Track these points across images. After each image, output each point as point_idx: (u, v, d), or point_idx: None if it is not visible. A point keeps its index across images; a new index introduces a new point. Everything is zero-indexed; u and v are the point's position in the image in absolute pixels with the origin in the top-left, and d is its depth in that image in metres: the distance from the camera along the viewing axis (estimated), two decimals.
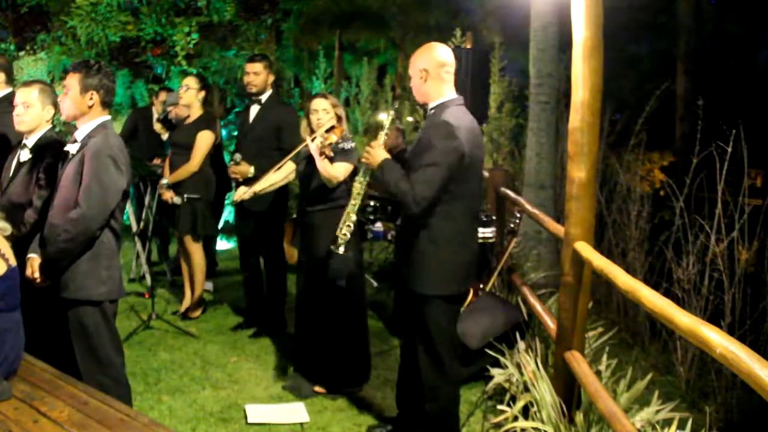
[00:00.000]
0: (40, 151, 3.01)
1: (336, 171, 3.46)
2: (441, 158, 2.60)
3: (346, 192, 3.49)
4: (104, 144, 2.71)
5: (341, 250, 3.03)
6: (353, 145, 3.56)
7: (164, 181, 4.65)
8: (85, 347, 2.74)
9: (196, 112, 4.69)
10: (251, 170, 4.33)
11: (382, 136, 2.87)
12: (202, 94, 4.71)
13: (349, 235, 3.03)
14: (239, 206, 4.58)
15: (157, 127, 5.66)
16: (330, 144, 3.43)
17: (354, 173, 3.47)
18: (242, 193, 3.82)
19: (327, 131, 3.49)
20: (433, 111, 2.78)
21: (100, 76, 2.75)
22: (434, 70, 2.74)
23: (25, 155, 3.02)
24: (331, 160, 3.47)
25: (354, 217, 3.05)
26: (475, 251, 2.89)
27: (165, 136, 5.66)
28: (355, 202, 3.04)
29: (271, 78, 4.49)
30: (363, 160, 2.86)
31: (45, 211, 2.87)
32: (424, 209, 2.65)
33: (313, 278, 3.63)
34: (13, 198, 3.00)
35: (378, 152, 2.79)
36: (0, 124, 3.47)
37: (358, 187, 3.01)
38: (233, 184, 4.63)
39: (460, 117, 2.71)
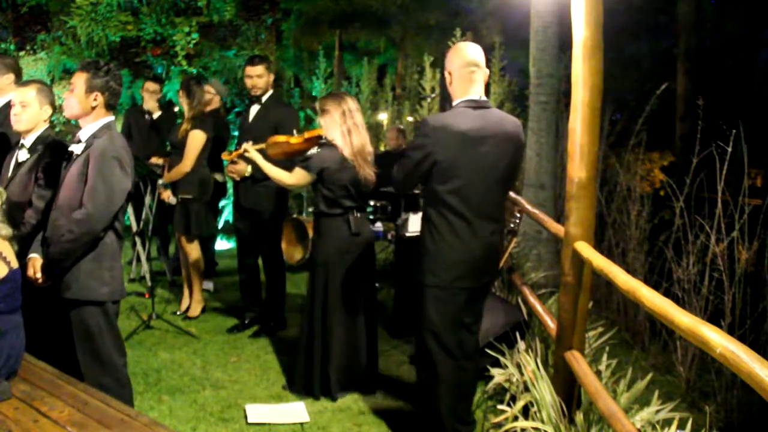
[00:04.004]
0: (39, 150, 3.01)
1: (280, 175, 3.56)
2: (411, 151, 2.84)
3: (321, 199, 3.52)
4: (110, 145, 2.71)
5: None
6: (314, 151, 3.54)
7: (160, 181, 4.71)
8: (88, 348, 2.74)
9: (187, 112, 4.67)
10: (248, 169, 4.32)
11: None
12: None
13: None
14: (238, 206, 4.59)
15: (150, 105, 5.78)
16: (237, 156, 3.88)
17: (323, 180, 3.50)
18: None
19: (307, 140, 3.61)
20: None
21: (107, 78, 2.76)
22: (457, 71, 2.80)
23: (23, 155, 3.02)
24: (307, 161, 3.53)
25: None
26: (473, 252, 2.82)
27: (156, 114, 5.75)
28: None
29: (271, 78, 4.50)
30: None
31: (46, 211, 2.87)
32: (398, 189, 3.08)
33: (316, 280, 3.61)
34: (12, 198, 3.00)
35: None
36: (9, 125, 3.45)
37: None
38: (230, 184, 4.62)
39: (453, 119, 2.72)
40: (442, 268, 2.82)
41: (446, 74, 2.87)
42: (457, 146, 2.70)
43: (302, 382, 3.59)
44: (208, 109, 5.67)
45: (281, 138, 3.67)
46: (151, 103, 5.79)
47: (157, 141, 5.72)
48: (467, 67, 2.78)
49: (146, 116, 5.79)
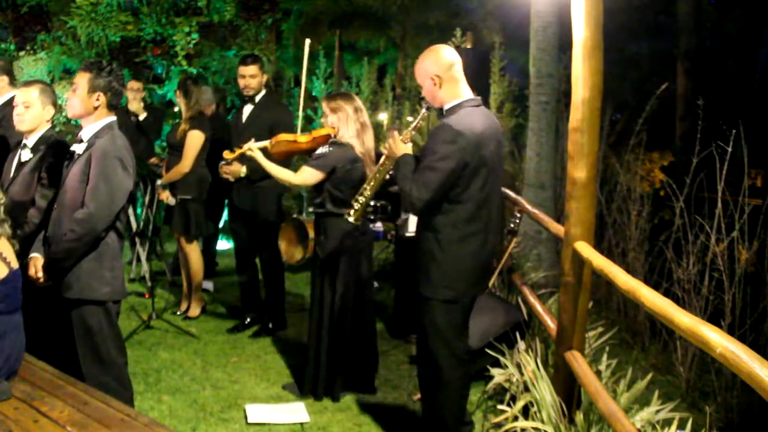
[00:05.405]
0: (41, 150, 3.01)
1: (285, 175, 3.51)
2: (439, 163, 2.60)
3: (329, 199, 3.46)
4: (112, 145, 2.72)
5: (351, 219, 3.00)
6: (326, 150, 3.46)
7: (159, 182, 4.69)
8: (89, 348, 2.75)
9: (185, 112, 4.67)
10: (243, 170, 4.29)
11: (409, 131, 2.87)
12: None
13: (359, 207, 2.99)
14: (233, 208, 4.57)
15: (135, 107, 5.66)
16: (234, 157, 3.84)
17: (332, 179, 3.43)
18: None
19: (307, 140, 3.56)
20: (446, 113, 2.74)
21: (110, 78, 2.77)
22: (445, 73, 2.71)
23: (25, 155, 3.03)
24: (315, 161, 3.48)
25: (368, 193, 3.00)
26: (483, 258, 2.80)
27: (142, 116, 5.67)
28: (373, 182, 3.01)
29: (265, 78, 4.45)
30: (385, 150, 2.91)
31: (48, 210, 2.88)
32: (421, 211, 2.69)
33: (321, 280, 3.59)
34: (15, 198, 3.00)
35: (399, 146, 2.81)
36: (8, 126, 3.45)
37: (381, 169, 3.02)
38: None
39: (469, 120, 2.65)
40: (456, 279, 2.74)
41: (431, 79, 2.72)
42: (478, 148, 2.64)
43: (311, 383, 3.58)
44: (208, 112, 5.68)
45: (288, 137, 3.59)
46: (135, 104, 5.65)
47: (144, 142, 5.66)
48: (452, 68, 2.73)
49: (131, 118, 5.69)
